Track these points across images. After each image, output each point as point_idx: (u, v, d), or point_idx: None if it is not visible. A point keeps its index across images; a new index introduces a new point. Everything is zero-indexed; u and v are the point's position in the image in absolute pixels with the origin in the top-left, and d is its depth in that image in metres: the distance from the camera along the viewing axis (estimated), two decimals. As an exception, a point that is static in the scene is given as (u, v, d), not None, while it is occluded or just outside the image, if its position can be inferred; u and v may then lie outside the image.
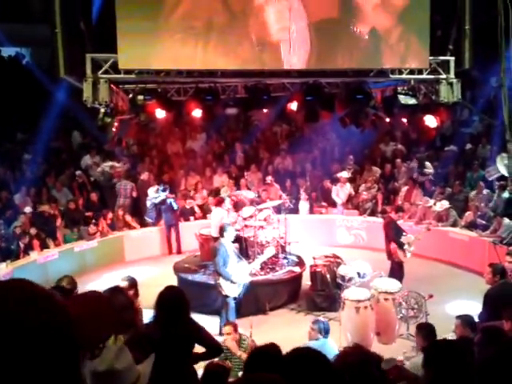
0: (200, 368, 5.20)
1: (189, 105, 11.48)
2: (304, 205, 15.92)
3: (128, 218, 15.12)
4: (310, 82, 11.54)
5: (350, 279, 9.74)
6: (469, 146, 16.74)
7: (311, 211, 16.03)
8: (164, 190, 14.71)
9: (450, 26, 11.32)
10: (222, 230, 9.63)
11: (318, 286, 10.90)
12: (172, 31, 9.94)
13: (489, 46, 12.73)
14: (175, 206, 14.79)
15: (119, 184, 15.66)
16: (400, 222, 12.03)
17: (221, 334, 8.75)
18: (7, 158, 16.47)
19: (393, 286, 9.35)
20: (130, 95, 11.61)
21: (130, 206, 15.59)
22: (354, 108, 12.07)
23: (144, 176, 16.10)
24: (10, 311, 1.12)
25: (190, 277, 11.39)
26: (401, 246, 10.84)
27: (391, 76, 11.49)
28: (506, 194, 13.32)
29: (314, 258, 11.42)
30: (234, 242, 10.19)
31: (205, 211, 15.55)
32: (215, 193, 15.60)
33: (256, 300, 10.68)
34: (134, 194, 15.60)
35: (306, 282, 11.43)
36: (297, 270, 11.65)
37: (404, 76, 11.51)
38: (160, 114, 11.28)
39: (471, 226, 13.32)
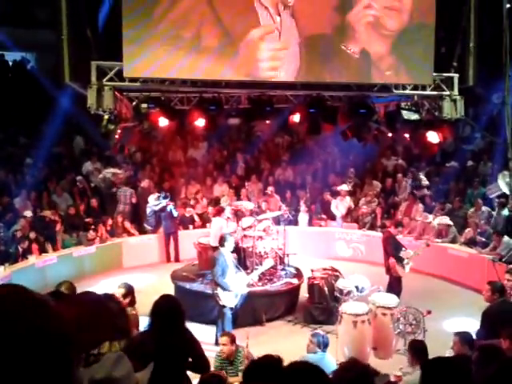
0: (195, 379, 5.18)
1: (192, 114, 11.52)
2: (303, 217, 15.92)
3: (127, 224, 15.11)
4: (313, 95, 11.58)
5: (348, 293, 9.71)
6: (470, 162, 16.76)
7: (310, 223, 16.03)
8: (165, 198, 14.72)
9: (455, 42, 11.39)
10: (222, 239, 9.61)
11: (315, 298, 10.87)
12: (177, 41, 10.00)
13: (493, 64, 12.79)
14: (175, 214, 14.80)
15: (119, 191, 15.68)
16: (399, 237, 12.02)
17: (217, 343, 8.74)
18: (9, 161, 16.48)
19: (391, 301, 9.32)
20: (134, 103, 11.64)
21: (130, 213, 15.60)
22: (357, 122, 12.10)
23: (144, 183, 16.12)
24: (3, 317, 1.13)
25: (187, 285, 11.36)
26: (399, 260, 10.82)
27: (395, 91, 11.53)
28: (505, 212, 13.31)
29: (312, 271, 11.40)
30: (232, 252, 10.18)
31: (204, 220, 15.55)
32: (215, 202, 15.60)
33: (253, 311, 10.64)
34: (134, 201, 15.61)
35: (304, 294, 11.39)
36: (295, 281, 11.62)
37: (407, 91, 11.56)
38: (163, 122, 11.32)
39: (471, 242, 13.30)
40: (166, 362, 4.71)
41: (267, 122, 13.92)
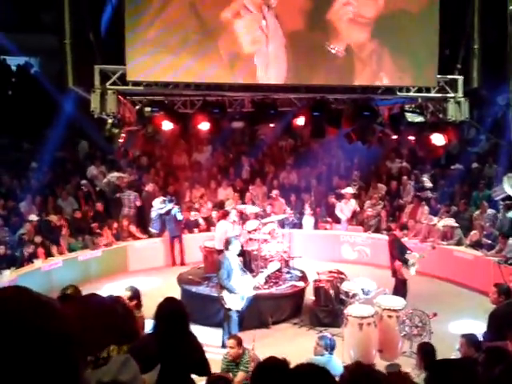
0: (201, 381, 5.17)
1: (195, 117, 11.53)
2: (308, 220, 15.91)
3: (132, 228, 15.12)
4: (317, 98, 11.57)
5: (354, 295, 9.69)
6: (475, 165, 16.72)
7: (315, 226, 16.01)
8: (171, 201, 14.74)
9: (459, 44, 11.37)
10: (227, 243, 9.61)
11: (321, 301, 10.86)
12: (178, 44, 10.03)
13: (497, 66, 12.76)
14: (180, 217, 14.80)
15: (123, 194, 15.69)
16: (405, 240, 12.00)
17: (223, 346, 8.74)
18: (14, 166, 16.52)
19: (397, 304, 9.30)
20: (138, 107, 11.66)
21: (135, 216, 15.61)
22: (361, 124, 12.09)
23: (149, 187, 16.13)
24: (6, 317, 1.12)
25: (193, 289, 11.37)
26: (405, 263, 10.80)
27: (399, 93, 11.52)
28: (511, 214, 13.27)
29: (317, 273, 11.39)
30: (238, 255, 10.17)
31: (209, 223, 15.55)
32: (220, 206, 15.60)
33: (259, 314, 10.64)
34: (138, 204, 15.62)
35: (310, 297, 11.38)
36: (300, 284, 11.61)
37: (411, 94, 11.54)
38: (167, 126, 11.33)
39: (476, 245, 13.26)
40: (170, 364, 4.70)
41: (271, 125, 13.92)
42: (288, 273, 11.99)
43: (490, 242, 13.03)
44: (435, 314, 8.92)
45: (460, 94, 11.49)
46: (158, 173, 17.50)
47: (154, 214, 15.04)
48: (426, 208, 14.85)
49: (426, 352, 6.12)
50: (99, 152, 17.67)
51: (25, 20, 20.40)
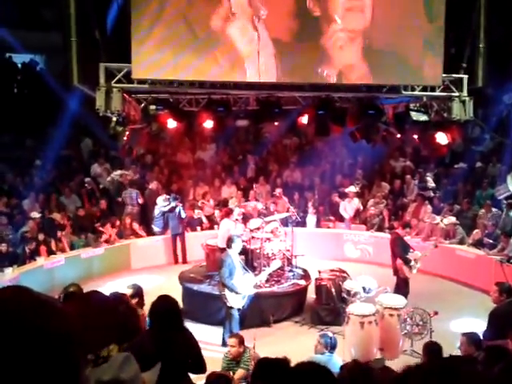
0: (201, 380, 5.20)
1: (200, 115, 11.54)
2: (311, 218, 15.91)
3: (135, 225, 15.15)
4: (321, 96, 11.58)
5: (356, 294, 9.69)
6: (479, 164, 16.69)
7: (318, 225, 16.02)
8: (175, 199, 14.76)
9: (464, 43, 11.35)
10: (229, 241, 9.62)
11: (322, 299, 10.87)
12: (184, 43, 10.06)
13: (502, 65, 12.74)
14: (183, 215, 14.82)
15: (125, 192, 15.72)
16: (407, 239, 11.99)
17: (224, 344, 8.76)
18: (17, 164, 16.56)
19: (398, 302, 9.30)
20: (143, 105, 11.68)
21: (139, 214, 15.64)
22: (366, 123, 12.09)
23: (152, 185, 16.16)
24: (6, 318, 1.13)
25: (195, 287, 11.38)
26: (407, 262, 10.80)
27: (403, 92, 11.51)
28: (513, 213, 13.27)
29: (319, 272, 11.39)
30: (240, 253, 10.19)
31: (212, 222, 15.57)
32: (223, 204, 15.63)
33: (260, 312, 10.65)
34: (141, 201, 15.64)
35: (311, 295, 11.39)
36: (302, 283, 11.62)
37: (416, 93, 11.53)
38: (171, 124, 11.35)
39: (478, 244, 13.25)
40: (167, 362, 4.72)
41: (275, 123, 13.93)
42: (290, 271, 12.00)
43: (491, 241, 13.02)
44: (436, 313, 8.92)
45: (465, 92, 11.47)
46: (162, 171, 17.53)
47: (157, 211, 15.06)
48: (429, 207, 14.84)
49: (432, 351, 6.12)
50: (103, 149, 17.72)
51: (29, 17, 20.42)
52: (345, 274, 11.14)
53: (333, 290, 10.65)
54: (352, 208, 15.72)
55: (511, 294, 7.35)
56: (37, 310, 1.17)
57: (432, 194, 15.65)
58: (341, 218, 15.94)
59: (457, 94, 11.47)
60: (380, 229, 15.16)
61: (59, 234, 13.51)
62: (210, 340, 9.33)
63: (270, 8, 10.25)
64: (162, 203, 14.90)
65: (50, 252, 13.02)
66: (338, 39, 10.54)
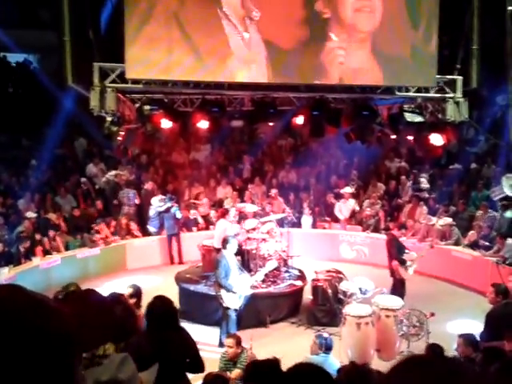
0: (199, 380, 5.18)
1: (195, 116, 11.52)
2: (307, 219, 15.91)
3: (133, 226, 15.10)
4: (316, 97, 11.58)
5: (352, 295, 9.69)
6: (474, 165, 16.73)
7: (314, 225, 16.02)
8: (171, 199, 14.74)
9: (458, 45, 11.38)
10: (225, 241, 9.61)
11: (319, 300, 10.86)
12: (173, 42, 10.05)
13: (496, 66, 12.77)
14: (179, 215, 14.79)
15: (121, 193, 15.68)
16: (403, 240, 12.00)
17: (221, 345, 8.74)
18: (13, 164, 16.51)
19: (394, 303, 9.31)
20: (137, 105, 11.65)
21: (135, 214, 15.60)
22: (360, 124, 12.10)
23: (148, 185, 16.12)
24: (5, 318, 1.12)
25: (191, 287, 11.37)
26: (402, 263, 10.80)
27: (398, 93, 11.53)
28: (509, 214, 13.28)
29: (315, 273, 11.39)
30: (236, 254, 10.17)
31: (208, 222, 15.55)
32: (219, 204, 15.61)
33: (257, 313, 10.64)
34: (137, 201, 15.62)
35: (308, 296, 11.38)
36: (298, 283, 11.61)
37: (411, 94, 11.56)
38: (166, 124, 11.33)
39: (474, 245, 13.27)
40: (165, 362, 4.71)
41: (270, 124, 13.92)
42: (286, 272, 11.99)
43: (487, 243, 13.03)
44: (433, 314, 8.92)
45: (459, 94, 11.50)
46: (157, 171, 17.50)
47: (152, 212, 15.04)
48: (425, 208, 14.86)
49: (434, 354, 6.11)
50: (97, 149, 17.69)
51: (24, 16, 20.36)
52: (341, 275, 11.15)
53: (329, 290, 10.65)
54: (347, 209, 15.73)
55: (507, 295, 7.38)
56: (33, 310, 1.16)
57: (426, 195, 15.67)
58: (336, 219, 15.95)
59: (451, 95, 11.50)
60: (376, 230, 15.16)
61: (52, 233, 13.43)
62: (206, 341, 9.30)
63: (263, 10, 10.25)
64: (157, 203, 14.87)
65: (46, 252, 12.97)
66: (336, 56, 10.57)
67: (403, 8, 10.78)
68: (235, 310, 9.43)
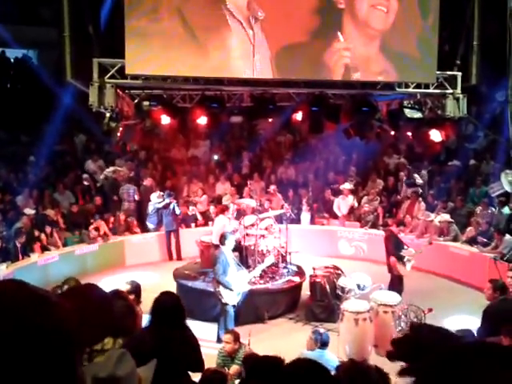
0: (196, 376, 5.17)
1: (194, 112, 11.52)
2: (305, 215, 15.91)
3: (134, 221, 15.10)
4: (315, 93, 11.57)
5: (350, 291, 9.71)
6: (473, 161, 16.73)
7: (312, 222, 16.02)
8: (169, 195, 14.73)
9: (458, 40, 11.37)
10: (222, 238, 9.62)
11: (317, 296, 10.87)
12: (175, 37, 10.04)
13: (496, 62, 12.75)
14: (178, 211, 14.78)
15: (122, 188, 15.68)
16: (401, 236, 12.01)
17: (219, 341, 8.75)
18: (11, 160, 16.49)
19: (392, 299, 9.33)
20: (136, 101, 11.64)
21: (135, 211, 15.60)
22: (359, 120, 12.09)
23: (147, 182, 16.12)
24: (6, 315, 1.11)
25: (189, 283, 11.37)
26: (400, 259, 10.81)
27: (397, 89, 11.52)
28: (506, 210, 13.29)
29: (314, 269, 11.39)
30: (234, 250, 10.18)
31: (207, 218, 15.55)
32: (217, 200, 15.61)
33: (255, 309, 10.65)
34: (137, 197, 15.62)
35: (306, 292, 11.40)
36: (296, 279, 11.62)
37: (410, 90, 11.54)
38: (165, 120, 11.32)
39: (472, 241, 13.28)
40: (166, 359, 4.69)
41: (270, 120, 13.92)
42: (285, 268, 12.00)
43: (485, 240, 13.03)
44: (430, 310, 8.93)
45: (458, 90, 11.50)
46: (156, 167, 17.50)
47: (151, 208, 15.03)
48: (423, 204, 14.86)
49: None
50: (96, 145, 17.68)
51: (23, 12, 20.31)
52: (339, 271, 11.16)
53: (327, 286, 10.66)
54: (346, 205, 15.73)
55: (505, 291, 7.37)
56: (35, 307, 1.15)
57: (420, 191, 15.64)
58: (335, 215, 15.95)
59: (450, 91, 11.50)
60: (374, 226, 15.17)
61: (49, 229, 13.42)
62: (204, 336, 9.29)
63: (270, 9, 10.24)
64: (155, 200, 14.87)
65: (44, 248, 12.96)
66: (341, 57, 10.56)
67: (414, 5, 10.79)
68: (233, 306, 9.45)
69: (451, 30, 11.73)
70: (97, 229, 14.24)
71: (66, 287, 5.74)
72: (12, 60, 21.25)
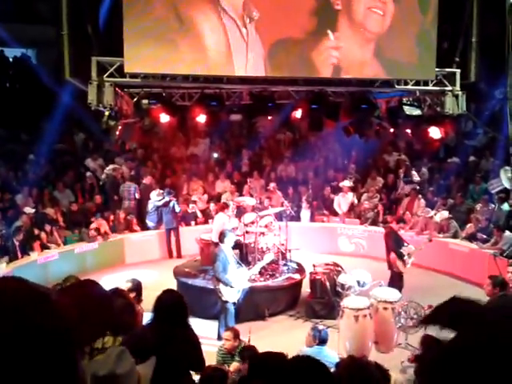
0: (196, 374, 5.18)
1: (193, 110, 11.52)
2: (305, 213, 15.92)
3: (134, 220, 15.10)
4: (315, 91, 11.57)
5: (350, 287, 9.72)
6: (472, 158, 16.74)
7: (312, 219, 16.03)
8: (169, 193, 14.73)
9: (457, 38, 11.38)
10: (221, 235, 9.62)
11: (317, 293, 10.88)
12: (172, 36, 10.05)
13: (495, 59, 12.76)
14: (177, 209, 14.78)
15: (123, 186, 15.68)
16: (401, 233, 12.02)
17: (219, 338, 8.76)
18: (11, 158, 16.47)
19: (392, 296, 9.33)
20: (135, 99, 11.64)
21: (135, 209, 15.60)
22: (359, 117, 12.10)
23: (146, 180, 16.12)
24: (6, 314, 1.10)
25: (189, 281, 11.37)
26: (400, 256, 10.82)
27: (396, 86, 11.53)
28: (506, 207, 13.30)
29: (314, 266, 11.40)
30: (234, 248, 10.18)
31: (207, 216, 15.55)
32: (217, 199, 15.61)
33: (255, 306, 10.66)
34: (138, 196, 15.62)
35: (306, 289, 11.41)
36: (297, 277, 11.63)
37: (409, 87, 11.55)
38: (164, 118, 11.32)
39: (472, 238, 13.29)
40: (167, 358, 4.69)
41: (269, 118, 13.93)
42: (285, 265, 12.00)
43: (484, 236, 13.04)
44: (430, 307, 8.91)
45: (457, 87, 11.51)
46: (156, 165, 17.49)
47: (150, 206, 15.02)
48: (423, 201, 14.86)
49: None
50: (94, 143, 17.68)
51: (21, 11, 20.29)
52: (339, 268, 11.16)
53: (327, 283, 10.66)
54: (346, 202, 15.73)
55: (504, 287, 7.39)
56: (35, 305, 1.14)
57: (417, 187, 15.63)
58: (335, 213, 15.95)
59: (450, 88, 11.51)
60: (374, 223, 15.17)
61: (49, 227, 13.41)
62: (205, 334, 9.31)
63: (265, 9, 10.25)
64: (155, 198, 14.86)
65: (44, 247, 12.96)
66: (329, 57, 10.57)
67: (413, 3, 10.82)
68: (234, 304, 9.46)
69: (450, 27, 11.74)
70: (97, 229, 14.20)
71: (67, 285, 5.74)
72: (11, 59, 21.21)
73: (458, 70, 11.48)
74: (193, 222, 15.63)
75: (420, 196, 15.01)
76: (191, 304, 10.58)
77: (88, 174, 16.23)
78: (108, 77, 10.33)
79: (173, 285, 10.98)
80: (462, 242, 13.38)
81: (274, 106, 11.78)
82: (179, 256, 14.69)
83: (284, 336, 9.72)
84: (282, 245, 12.31)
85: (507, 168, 12.90)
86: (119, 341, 3.90)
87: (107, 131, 11.47)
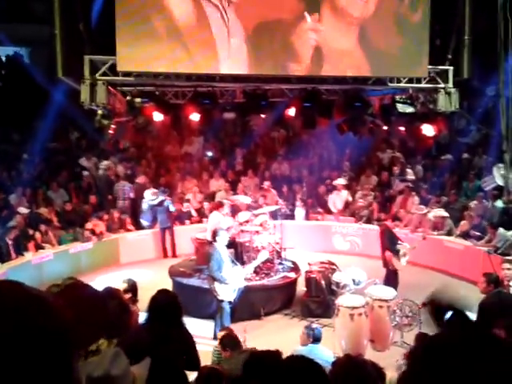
0: (193, 374, 5.16)
1: (186, 108, 11.50)
2: (300, 211, 15.92)
3: (128, 220, 15.06)
4: (308, 89, 11.57)
5: (345, 286, 9.73)
6: (465, 155, 16.77)
7: (307, 217, 16.03)
8: (163, 192, 14.70)
9: (450, 35, 11.39)
10: (214, 234, 9.61)
11: (312, 292, 10.88)
12: (162, 33, 10.02)
13: (488, 57, 12.78)
14: (172, 209, 14.76)
15: (117, 185, 15.65)
16: (396, 230, 12.04)
17: (215, 338, 8.74)
18: (4, 158, 16.40)
19: (387, 294, 9.34)
20: (128, 98, 11.60)
21: (130, 208, 15.56)
22: (352, 115, 12.11)
23: (140, 179, 16.08)
24: (6, 312, 1.10)
25: (184, 280, 11.37)
26: (395, 253, 10.83)
27: (389, 84, 11.54)
28: (499, 204, 13.33)
29: (309, 264, 11.41)
30: (229, 246, 10.17)
31: (201, 215, 15.53)
32: (211, 197, 15.59)
33: (251, 305, 10.66)
34: (132, 195, 15.58)
35: (301, 287, 11.41)
36: (292, 275, 11.63)
37: (402, 84, 11.56)
38: (157, 116, 11.30)
39: (466, 235, 13.32)
40: (162, 358, 4.67)
41: (262, 116, 13.91)
42: (280, 264, 12.00)
43: (478, 234, 13.07)
44: (424, 304, 8.96)
45: (450, 84, 11.52)
46: (150, 164, 17.45)
47: (144, 205, 15.00)
48: (416, 198, 14.89)
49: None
50: (88, 142, 17.63)
51: (14, 10, 20.21)
52: (334, 267, 11.17)
53: (322, 282, 10.67)
54: (341, 200, 15.74)
55: (499, 284, 7.41)
56: (34, 307, 1.15)
57: (411, 186, 15.66)
58: (329, 211, 15.96)
59: (442, 85, 11.53)
60: (369, 221, 15.19)
61: (44, 227, 13.36)
62: (201, 333, 9.30)
63: None
64: (149, 197, 14.83)
65: (38, 247, 12.90)
66: (308, 39, 10.53)
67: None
68: (229, 303, 9.45)
69: (443, 24, 11.74)
70: (92, 230, 14.13)
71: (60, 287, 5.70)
72: (3, 58, 21.13)
73: (451, 68, 11.50)
74: (187, 221, 15.61)
75: (414, 193, 15.04)
76: (186, 303, 10.61)
77: (85, 173, 16.18)
78: (101, 75, 10.30)
79: (168, 284, 10.98)
80: (457, 240, 13.41)
81: (268, 104, 11.77)
82: (174, 255, 14.68)
83: (279, 335, 9.71)
84: (277, 243, 12.31)
85: (500, 165, 12.93)
86: (114, 343, 3.88)
87: (100, 130, 11.41)
